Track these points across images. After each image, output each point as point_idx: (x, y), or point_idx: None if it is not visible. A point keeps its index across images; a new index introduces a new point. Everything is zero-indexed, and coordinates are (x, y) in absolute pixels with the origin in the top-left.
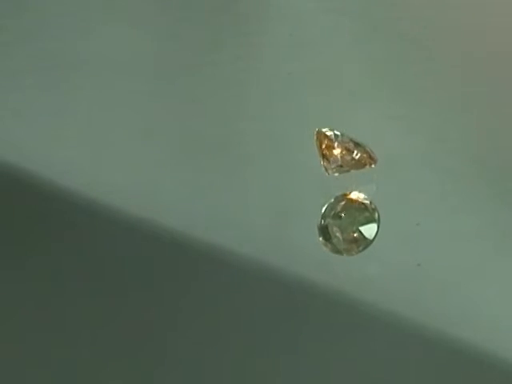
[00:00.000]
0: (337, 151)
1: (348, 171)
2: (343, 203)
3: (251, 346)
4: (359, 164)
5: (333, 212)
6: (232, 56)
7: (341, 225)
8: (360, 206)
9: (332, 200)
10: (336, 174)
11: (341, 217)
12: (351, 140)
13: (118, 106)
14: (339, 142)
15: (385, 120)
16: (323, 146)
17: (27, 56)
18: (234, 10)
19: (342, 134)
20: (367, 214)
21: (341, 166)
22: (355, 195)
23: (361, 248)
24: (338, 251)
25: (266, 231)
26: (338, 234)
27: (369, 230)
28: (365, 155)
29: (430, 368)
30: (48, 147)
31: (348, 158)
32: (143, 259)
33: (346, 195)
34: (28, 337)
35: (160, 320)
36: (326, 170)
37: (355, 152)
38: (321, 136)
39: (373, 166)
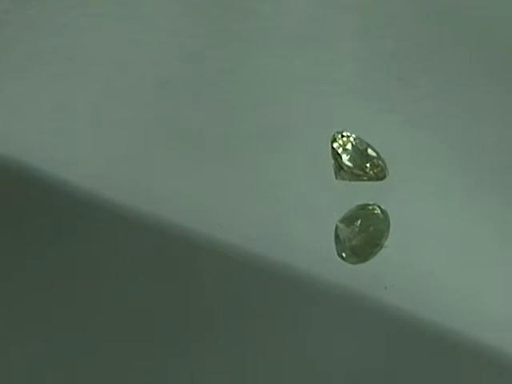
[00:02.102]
0: (347, 158)
1: (355, 181)
2: (361, 212)
3: (250, 341)
4: (367, 176)
5: (346, 217)
6: (233, 52)
7: (350, 232)
8: (376, 219)
9: (354, 207)
10: (344, 181)
11: (353, 224)
12: (365, 150)
13: (119, 100)
14: (352, 149)
15: (387, 116)
16: (336, 150)
17: (29, 51)
18: (235, 5)
19: (358, 141)
20: (379, 228)
21: (348, 174)
22: (375, 207)
23: (362, 259)
24: (340, 256)
25: (269, 228)
26: (344, 240)
27: (374, 244)
28: (374, 169)
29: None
30: (49, 142)
31: (357, 168)
32: (143, 253)
33: (366, 205)
34: (29, 334)
35: (159, 315)
36: (336, 175)
37: (365, 164)
38: (335, 139)
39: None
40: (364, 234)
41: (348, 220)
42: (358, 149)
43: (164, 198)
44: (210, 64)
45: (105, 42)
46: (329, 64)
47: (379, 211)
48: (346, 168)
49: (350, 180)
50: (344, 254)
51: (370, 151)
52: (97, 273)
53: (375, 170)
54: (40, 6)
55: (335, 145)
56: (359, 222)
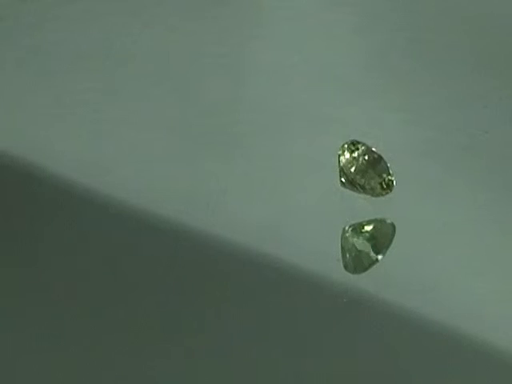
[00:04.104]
0: (350, 170)
1: (352, 191)
2: (372, 227)
3: (248, 338)
4: (364, 191)
5: (356, 227)
6: (232, 47)
7: (354, 243)
8: (383, 235)
9: (371, 220)
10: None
11: (358, 237)
12: (369, 164)
13: (118, 96)
14: (357, 161)
15: (386, 112)
16: (343, 158)
17: (28, 46)
18: (233, 1)
19: (366, 155)
20: (383, 243)
21: (348, 184)
22: (388, 223)
23: (359, 270)
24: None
25: (271, 227)
26: (345, 250)
27: (374, 258)
28: (377, 184)
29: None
30: (48, 137)
31: (355, 180)
32: (142, 250)
33: (383, 220)
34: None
35: (158, 311)
36: (340, 181)
37: (361, 179)
38: (345, 148)
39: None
40: (365, 249)
41: (356, 230)
42: (363, 161)
43: (166, 197)
44: (209, 60)
45: (104, 38)
46: (328, 60)
47: (390, 228)
48: (344, 178)
49: (350, 189)
50: (343, 263)
51: (376, 166)
52: (95, 267)
53: (372, 187)
54: (40, 2)
55: (340, 152)
56: (367, 235)
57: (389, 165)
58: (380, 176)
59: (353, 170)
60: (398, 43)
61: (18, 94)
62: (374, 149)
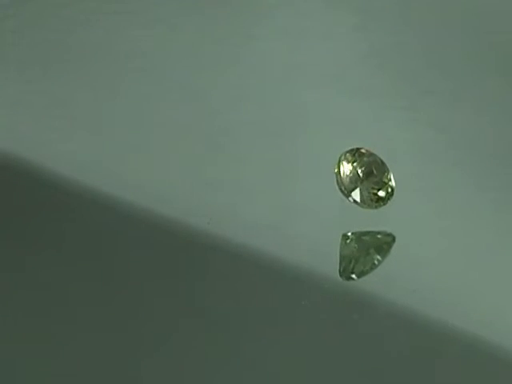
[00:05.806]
0: (347, 180)
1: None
2: (372, 234)
3: (248, 339)
4: (359, 202)
5: (357, 237)
6: (232, 46)
7: (352, 252)
8: (383, 248)
9: (370, 230)
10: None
11: (357, 247)
12: (369, 176)
13: (118, 96)
14: (355, 170)
15: (386, 111)
16: (339, 166)
17: (31, 46)
18: (233, 1)
19: (367, 163)
20: (382, 255)
21: (343, 194)
22: (389, 237)
23: (356, 277)
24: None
25: (268, 226)
26: (343, 258)
27: (371, 266)
28: (371, 196)
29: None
30: (48, 138)
31: (348, 190)
32: (143, 250)
33: (387, 235)
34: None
35: (159, 310)
36: (339, 188)
37: (362, 189)
38: (346, 156)
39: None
40: (362, 257)
41: (355, 238)
42: (361, 172)
43: (165, 197)
44: (209, 60)
45: (104, 37)
46: (328, 60)
47: (390, 238)
48: (337, 187)
49: (346, 197)
50: (339, 269)
51: (374, 179)
52: (95, 267)
53: (363, 199)
54: (40, 2)
55: (339, 159)
56: (365, 243)
57: (392, 176)
58: (375, 189)
59: (347, 179)
60: (399, 43)
61: (18, 94)
62: (381, 159)
